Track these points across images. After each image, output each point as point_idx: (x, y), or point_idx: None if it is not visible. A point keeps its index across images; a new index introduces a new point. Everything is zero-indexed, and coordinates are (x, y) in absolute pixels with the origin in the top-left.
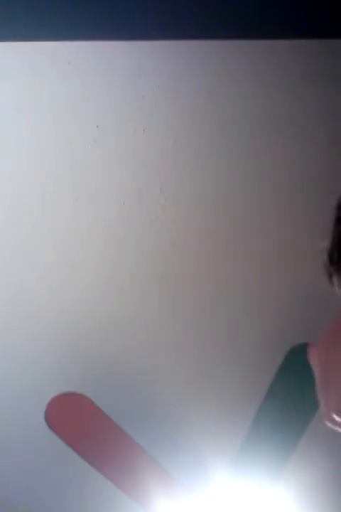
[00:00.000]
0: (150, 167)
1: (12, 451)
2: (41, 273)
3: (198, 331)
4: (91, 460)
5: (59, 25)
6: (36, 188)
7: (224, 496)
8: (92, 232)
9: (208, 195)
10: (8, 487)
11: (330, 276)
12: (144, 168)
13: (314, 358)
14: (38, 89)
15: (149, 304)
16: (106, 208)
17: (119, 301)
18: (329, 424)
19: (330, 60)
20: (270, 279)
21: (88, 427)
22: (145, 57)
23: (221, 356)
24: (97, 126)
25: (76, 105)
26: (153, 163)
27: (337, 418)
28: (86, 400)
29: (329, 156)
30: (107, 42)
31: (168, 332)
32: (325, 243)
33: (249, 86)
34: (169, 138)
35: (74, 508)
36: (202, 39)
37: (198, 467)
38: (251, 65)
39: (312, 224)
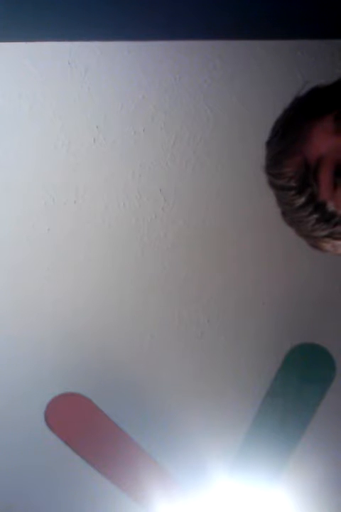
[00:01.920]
0: (150, 167)
1: (12, 451)
2: (41, 273)
3: (198, 331)
4: (91, 460)
5: (59, 25)
6: (36, 188)
7: (224, 496)
8: (92, 232)
9: (208, 195)
10: (9, 487)
11: (313, 245)
12: (144, 168)
13: None
14: (38, 89)
15: (149, 303)
16: (106, 208)
17: (119, 301)
18: None
19: (330, 60)
20: (270, 280)
21: (88, 428)
22: (145, 57)
23: (221, 356)
24: (97, 127)
25: (76, 105)
26: (153, 163)
27: None
28: (86, 401)
29: None
30: (107, 42)
31: (168, 332)
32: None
33: (249, 86)
34: (169, 138)
35: (74, 508)
36: (202, 39)
37: (198, 467)
38: (251, 65)
39: None
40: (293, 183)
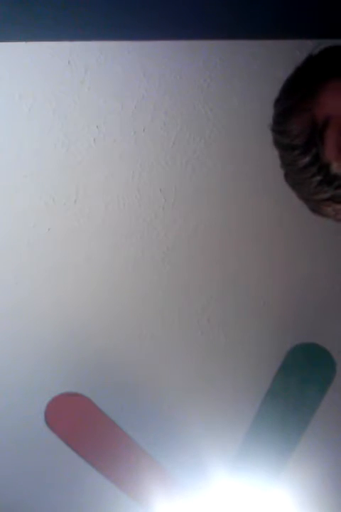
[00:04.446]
0: (150, 167)
1: (12, 451)
2: (41, 273)
3: (198, 331)
4: (91, 460)
5: (59, 25)
6: (36, 188)
7: (224, 496)
8: (92, 232)
9: (208, 195)
10: (8, 487)
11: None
12: (144, 168)
13: None
14: (38, 89)
15: (149, 303)
16: (106, 208)
17: (119, 301)
18: None
19: None
20: (270, 280)
21: (88, 427)
22: (145, 57)
23: (221, 356)
24: (97, 127)
25: (76, 105)
26: (153, 163)
27: None
28: (86, 401)
29: None
30: (107, 42)
31: (168, 332)
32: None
33: (249, 86)
34: (169, 138)
35: (74, 507)
36: (202, 39)
37: (198, 467)
38: (251, 65)
39: (313, 225)
40: (298, 142)
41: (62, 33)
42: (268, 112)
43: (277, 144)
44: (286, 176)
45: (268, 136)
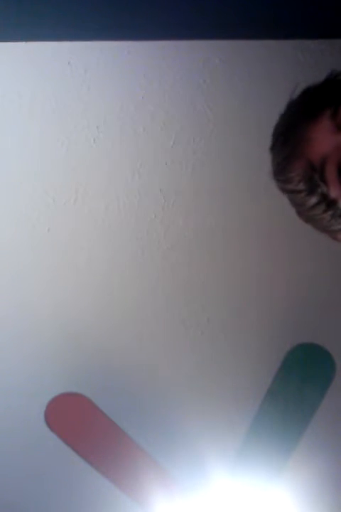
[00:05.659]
0: (150, 167)
1: (12, 451)
2: (41, 273)
3: (198, 331)
4: (91, 460)
5: (59, 25)
6: (36, 188)
7: (224, 496)
8: (92, 232)
9: (208, 196)
10: (8, 487)
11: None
12: (144, 168)
13: None
14: (38, 89)
15: (149, 303)
16: (106, 208)
17: (119, 301)
18: None
19: (330, 60)
20: (270, 280)
21: (88, 427)
22: (145, 57)
23: (221, 356)
24: (97, 127)
25: (76, 105)
26: (153, 163)
27: None
28: (86, 400)
29: None
30: (107, 42)
31: (168, 332)
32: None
33: (249, 86)
34: (169, 138)
35: (74, 508)
36: (202, 39)
37: (198, 467)
38: (251, 65)
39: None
40: (302, 187)
41: (62, 33)
42: (268, 112)
43: (282, 189)
44: (299, 213)
45: (268, 137)
